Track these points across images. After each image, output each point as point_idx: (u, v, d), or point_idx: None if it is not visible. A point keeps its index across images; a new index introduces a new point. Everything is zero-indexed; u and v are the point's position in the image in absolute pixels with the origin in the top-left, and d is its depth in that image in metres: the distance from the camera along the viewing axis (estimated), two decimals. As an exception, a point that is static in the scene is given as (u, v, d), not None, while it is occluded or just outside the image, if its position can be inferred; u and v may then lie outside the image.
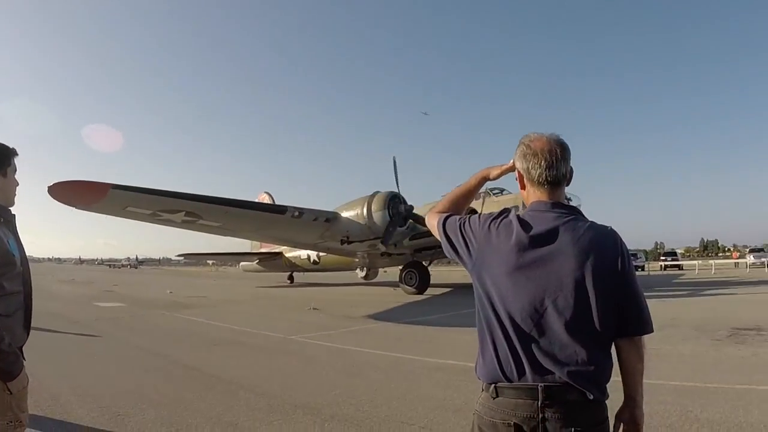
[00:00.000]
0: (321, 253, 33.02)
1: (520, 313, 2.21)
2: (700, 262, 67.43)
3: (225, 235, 27.80)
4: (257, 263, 41.90)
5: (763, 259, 52.36)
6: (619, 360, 2.32)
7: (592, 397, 2.14)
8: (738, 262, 60.00)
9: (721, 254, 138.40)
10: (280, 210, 23.02)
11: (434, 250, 27.06)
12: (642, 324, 2.28)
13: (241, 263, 45.96)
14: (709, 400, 6.35)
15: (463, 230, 2.48)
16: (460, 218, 2.56)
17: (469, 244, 2.42)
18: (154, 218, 21.28)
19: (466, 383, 7.35)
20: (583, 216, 2.42)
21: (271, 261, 40.14)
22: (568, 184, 2.51)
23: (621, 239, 2.34)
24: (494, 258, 2.31)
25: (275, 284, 38.00)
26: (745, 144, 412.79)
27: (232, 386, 7.49)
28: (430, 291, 26.22)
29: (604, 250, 2.25)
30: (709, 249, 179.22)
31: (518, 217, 2.38)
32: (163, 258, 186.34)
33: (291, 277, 41.24)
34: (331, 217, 24.35)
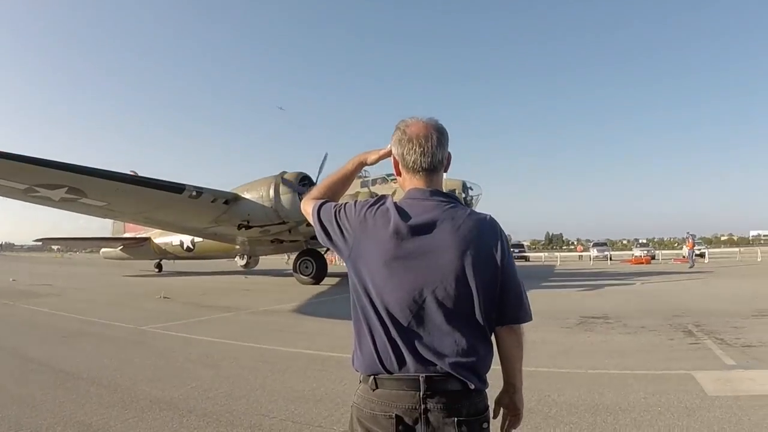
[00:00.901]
0: (197, 239, 30.18)
1: (399, 304, 2.12)
2: (545, 254, 70.91)
3: (105, 217, 24.75)
4: (121, 250, 37.50)
5: (605, 253, 55.88)
6: (498, 348, 2.30)
7: (473, 386, 2.10)
8: (582, 255, 62.95)
9: (565, 247, 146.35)
10: (178, 188, 19.99)
11: None
12: (521, 313, 2.27)
13: (102, 250, 41.01)
14: (566, 385, 6.66)
15: (338, 217, 2.36)
16: (335, 205, 2.45)
17: (345, 232, 2.31)
18: (26, 195, 18.23)
19: (325, 373, 7.40)
20: (462, 204, 2.34)
21: (137, 247, 36.04)
22: (446, 171, 2.44)
23: (500, 228, 2.30)
24: (371, 247, 2.21)
25: (141, 273, 34.95)
26: (590, 146, 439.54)
27: (82, 382, 7.02)
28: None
29: (484, 239, 2.20)
30: (554, 242, 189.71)
31: (395, 204, 2.30)
32: (6, 243, 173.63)
33: (159, 265, 37.61)
34: (231, 199, 21.91)
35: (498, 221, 2.33)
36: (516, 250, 62.57)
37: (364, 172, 26.86)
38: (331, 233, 2.37)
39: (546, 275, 30.44)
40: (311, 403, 6.06)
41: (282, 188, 21.65)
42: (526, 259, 60.67)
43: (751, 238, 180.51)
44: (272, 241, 26.35)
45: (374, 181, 26.09)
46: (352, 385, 6.39)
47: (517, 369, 2.37)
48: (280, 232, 24.07)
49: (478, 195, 26.69)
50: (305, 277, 24.81)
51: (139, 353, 8.94)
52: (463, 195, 25.38)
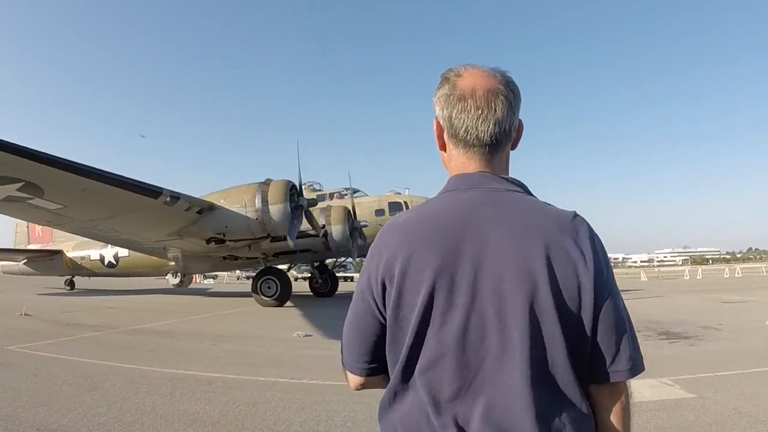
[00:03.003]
0: (121, 254, 26.23)
1: (442, 353, 1.40)
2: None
3: (45, 224, 20.30)
4: (24, 263, 30.99)
5: None
6: (595, 417, 1.46)
7: None
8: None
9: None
10: (155, 192, 16.43)
11: (295, 255, 22.94)
12: (630, 360, 1.44)
13: (0, 263, 33.24)
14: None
15: (373, 293, 1.51)
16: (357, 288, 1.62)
17: (385, 295, 1.49)
18: None
19: (214, 395, 7.08)
20: (530, 193, 1.56)
21: (45, 261, 30.26)
22: (514, 147, 1.62)
23: (594, 232, 1.47)
24: (405, 284, 1.43)
25: (51, 291, 29.74)
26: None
27: None
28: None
29: (568, 246, 1.39)
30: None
31: (421, 208, 1.56)
32: None
33: (71, 282, 31.79)
34: (206, 208, 18.48)
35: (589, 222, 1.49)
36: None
37: (317, 185, 25.12)
38: (386, 311, 1.51)
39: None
40: (209, 427, 5.75)
41: (271, 197, 18.36)
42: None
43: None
44: (224, 258, 23.17)
45: (331, 195, 24.48)
46: (245, 407, 6.29)
47: None
48: (240, 248, 20.98)
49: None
50: (267, 299, 21.60)
51: (10, 375, 8.08)
52: None
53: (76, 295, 28.40)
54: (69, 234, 26.10)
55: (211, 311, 19.79)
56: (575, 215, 1.46)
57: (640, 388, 7.09)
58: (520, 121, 1.59)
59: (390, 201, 25.23)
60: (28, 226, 33.05)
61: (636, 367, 1.44)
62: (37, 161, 13.02)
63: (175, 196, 17.09)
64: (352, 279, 55.70)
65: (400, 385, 1.47)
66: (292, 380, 7.84)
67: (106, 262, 27.57)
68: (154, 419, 5.99)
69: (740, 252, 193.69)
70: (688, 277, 49.64)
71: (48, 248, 30.98)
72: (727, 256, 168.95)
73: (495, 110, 1.49)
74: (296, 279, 56.13)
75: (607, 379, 1.43)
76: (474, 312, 1.37)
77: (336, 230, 22.19)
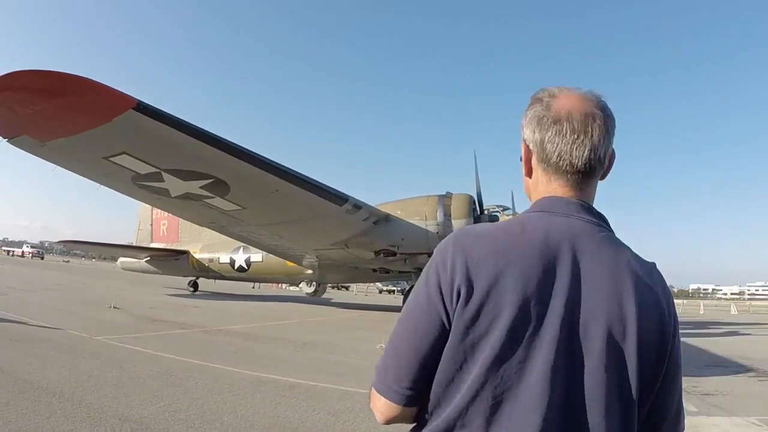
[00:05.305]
0: (253, 258, 25.02)
1: (530, 397, 1.25)
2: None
3: (209, 226, 18.98)
4: (147, 261, 30.50)
5: None
6: None
7: None
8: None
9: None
10: (342, 199, 15.39)
11: None
12: (681, 420, 1.44)
13: (120, 259, 33.42)
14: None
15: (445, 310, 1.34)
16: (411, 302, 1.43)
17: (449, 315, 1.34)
18: (136, 183, 12.92)
19: (295, 401, 6.77)
20: (612, 230, 1.45)
21: (169, 261, 29.48)
22: (603, 177, 1.49)
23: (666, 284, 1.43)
24: (494, 297, 1.29)
25: (176, 292, 28.08)
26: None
27: (43, 392, 6.20)
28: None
29: (656, 301, 1.34)
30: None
31: (507, 223, 1.41)
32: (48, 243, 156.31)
33: (195, 284, 30.54)
34: (382, 218, 17.39)
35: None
36: None
37: None
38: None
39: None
40: (289, 431, 5.53)
41: (455, 211, 17.29)
42: None
43: (690, 290, 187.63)
44: (374, 270, 21.61)
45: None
46: (325, 415, 6.23)
47: None
48: (396, 260, 19.39)
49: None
50: None
51: (97, 365, 8.06)
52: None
53: (198, 297, 27.13)
54: (196, 235, 27.18)
55: (295, 317, 19.69)
56: (655, 264, 1.42)
57: (725, 426, 6.81)
58: (612, 150, 1.46)
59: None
60: (152, 224, 33.81)
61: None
62: (244, 159, 12.13)
63: (358, 205, 16.08)
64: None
65: (459, 419, 1.30)
66: (373, 392, 7.71)
67: (236, 266, 26.30)
68: (234, 419, 5.81)
69: None
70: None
71: (174, 248, 30.33)
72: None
73: (591, 135, 1.39)
74: (380, 291, 56.90)
75: None
76: (561, 350, 1.26)
77: None
